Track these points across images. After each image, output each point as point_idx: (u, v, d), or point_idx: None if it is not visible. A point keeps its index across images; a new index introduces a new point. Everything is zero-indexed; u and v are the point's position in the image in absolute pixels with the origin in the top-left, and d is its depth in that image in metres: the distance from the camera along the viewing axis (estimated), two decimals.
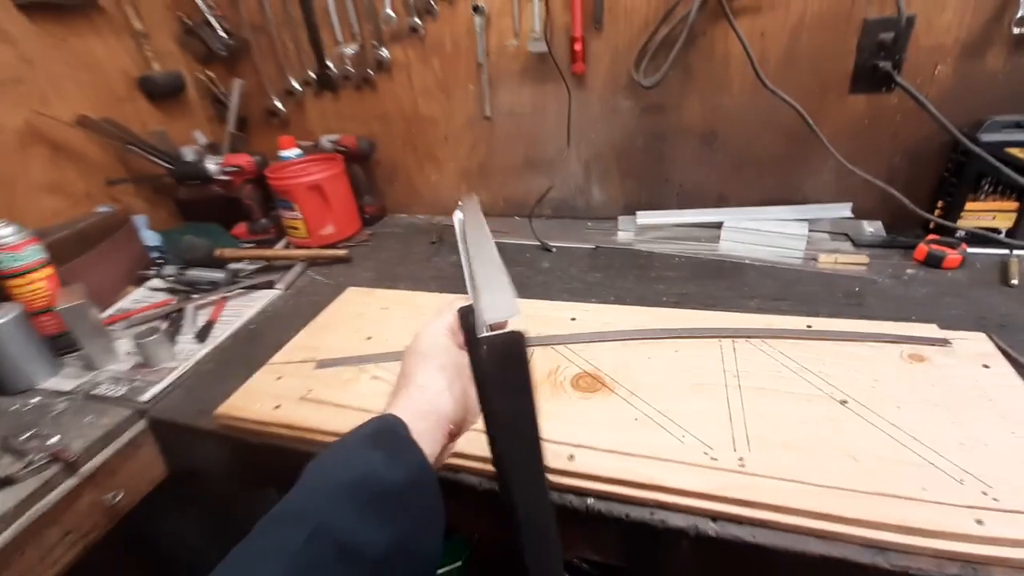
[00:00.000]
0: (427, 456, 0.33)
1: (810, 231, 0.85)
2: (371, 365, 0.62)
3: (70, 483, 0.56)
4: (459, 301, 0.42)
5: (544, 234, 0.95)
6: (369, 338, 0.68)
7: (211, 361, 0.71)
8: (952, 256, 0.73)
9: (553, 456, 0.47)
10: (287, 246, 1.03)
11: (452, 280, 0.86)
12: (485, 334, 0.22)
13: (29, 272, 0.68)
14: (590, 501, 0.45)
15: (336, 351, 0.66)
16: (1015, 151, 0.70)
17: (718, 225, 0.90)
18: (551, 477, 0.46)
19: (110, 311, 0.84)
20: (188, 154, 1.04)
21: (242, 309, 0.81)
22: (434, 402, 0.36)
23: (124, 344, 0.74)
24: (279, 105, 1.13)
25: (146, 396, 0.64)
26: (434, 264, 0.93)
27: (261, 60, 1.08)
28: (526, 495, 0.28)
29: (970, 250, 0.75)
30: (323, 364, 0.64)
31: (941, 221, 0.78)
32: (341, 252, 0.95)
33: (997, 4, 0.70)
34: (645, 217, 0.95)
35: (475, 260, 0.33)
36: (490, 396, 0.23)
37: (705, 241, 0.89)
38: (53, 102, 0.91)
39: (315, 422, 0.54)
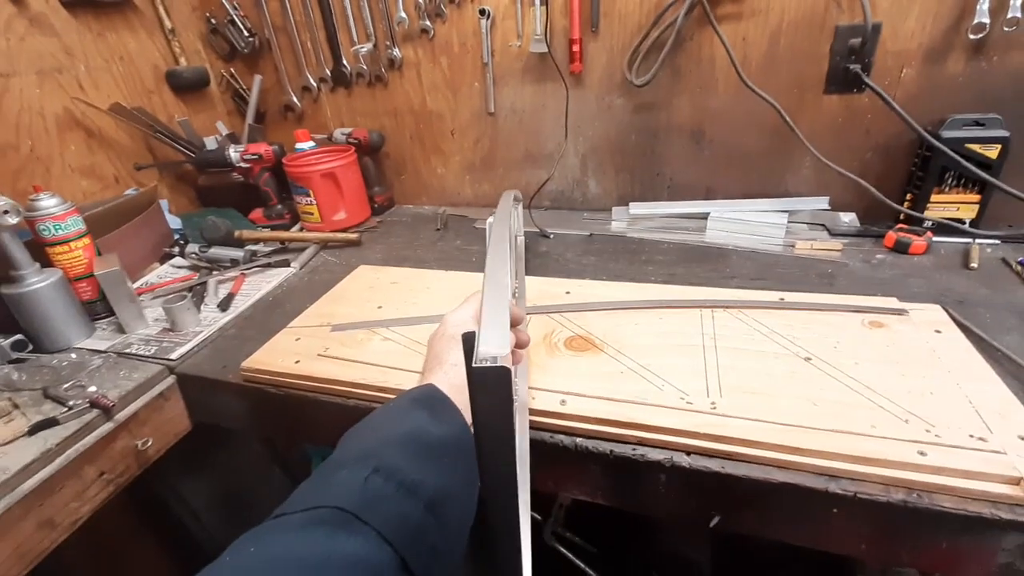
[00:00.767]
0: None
1: (790, 222, 0.91)
2: (383, 328, 0.68)
3: (106, 427, 0.61)
4: (478, 295, 0.46)
5: (543, 223, 1.01)
6: (380, 307, 0.74)
7: (233, 327, 0.76)
8: (918, 243, 0.79)
9: (546, 401, 0.53)
10: (301, 230, 1.09)
11: (456, 261, 0.91)
12: (476, 365, 0.27)
13: (70, 240, 0.73)
14: (579, 440, 0.51)
15: (350, 318, 0.71)
16: (974, 147, 0.77)
17: (705, 216, 0.96)
18: (544, 420, 0.52)
19: (138, 283, 0.89)
20: (211, 143, 1.11)
21: (261, 284, 0.87)
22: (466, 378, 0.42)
23: (152, 312, 0.79)
24: (296, 100, 1.20)
25: (175, 355, 0.69)
26: (439, 248, 0.99)
27: (280, 58, 1.15)
28: (499, 522, 0.30)
29: (936, 239, 0.81)
30: (338, 327, 0.69)
31: (910, 212, 0.84)
32: (352, 236, 1.01)
33: (956, 13, 0.76)
34: (638, 208, 1.01)
35: (488, 282, 0.38)
36: (474, 418, 0.28)
37: (693, 231, 0.95)
38: (89, 91, 0.98)
39: (332, 374, 0.60)
